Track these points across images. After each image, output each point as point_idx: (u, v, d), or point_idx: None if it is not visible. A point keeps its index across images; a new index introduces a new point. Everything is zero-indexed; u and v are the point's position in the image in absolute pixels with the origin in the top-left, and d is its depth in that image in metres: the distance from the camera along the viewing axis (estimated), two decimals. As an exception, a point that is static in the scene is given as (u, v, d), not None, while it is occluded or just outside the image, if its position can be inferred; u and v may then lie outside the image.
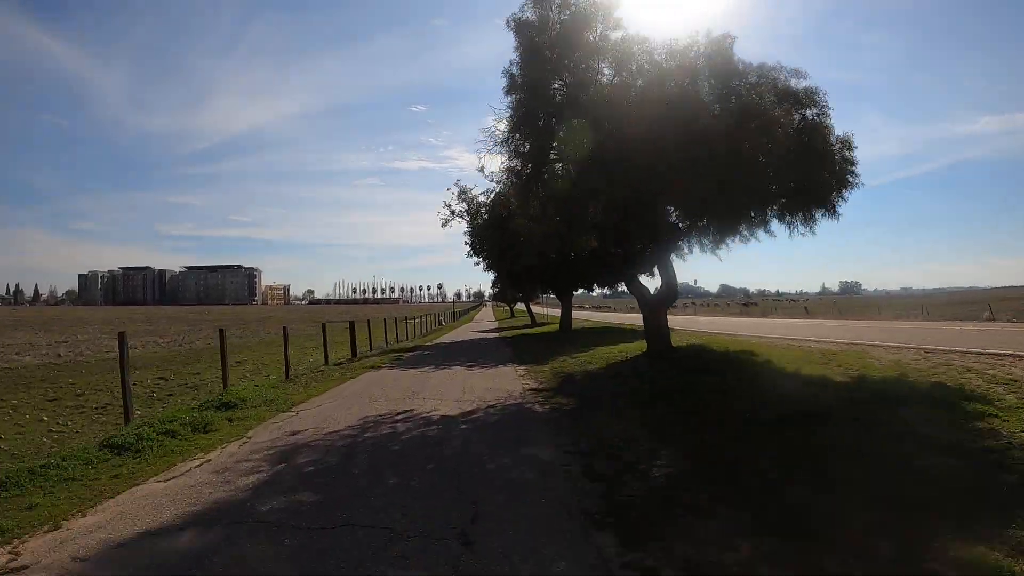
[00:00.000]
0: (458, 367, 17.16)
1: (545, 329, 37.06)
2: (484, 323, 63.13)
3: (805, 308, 44.22)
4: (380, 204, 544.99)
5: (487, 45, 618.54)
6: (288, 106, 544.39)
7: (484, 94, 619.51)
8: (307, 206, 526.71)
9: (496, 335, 37.18)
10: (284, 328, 19.45)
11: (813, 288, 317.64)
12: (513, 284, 29.64)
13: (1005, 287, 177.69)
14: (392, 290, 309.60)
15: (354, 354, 24.58)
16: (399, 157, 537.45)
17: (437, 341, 32.49)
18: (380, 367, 18.15)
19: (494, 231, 26.76)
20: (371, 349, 27.78)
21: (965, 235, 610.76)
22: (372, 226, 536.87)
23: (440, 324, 59.11)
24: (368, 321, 30.51)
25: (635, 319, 49.55)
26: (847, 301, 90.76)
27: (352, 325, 26.08)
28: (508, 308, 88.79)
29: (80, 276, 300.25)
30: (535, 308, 56.75)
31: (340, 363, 21.17)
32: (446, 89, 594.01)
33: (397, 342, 32.39)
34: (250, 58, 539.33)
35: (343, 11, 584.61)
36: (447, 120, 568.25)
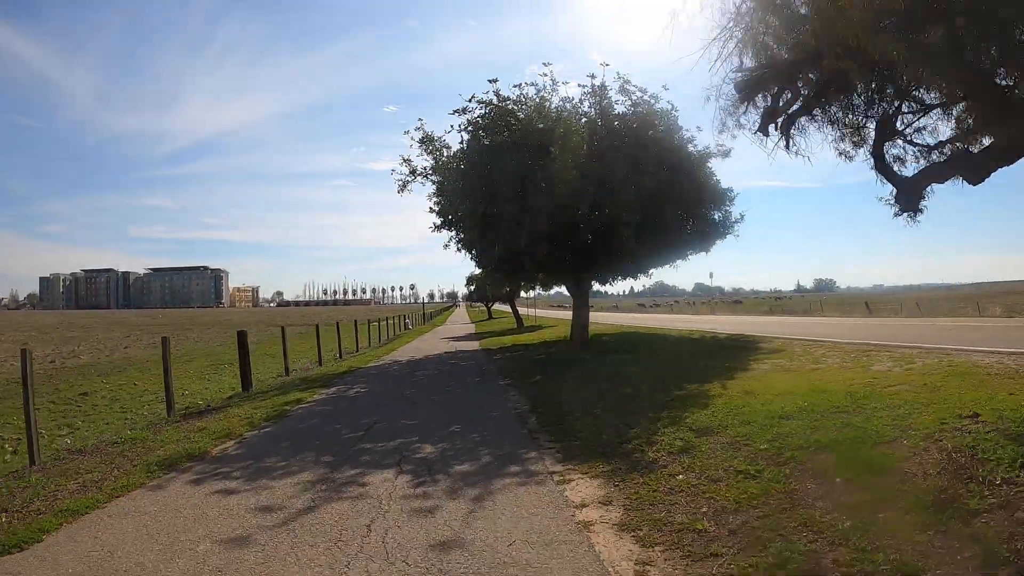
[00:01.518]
0: (386, 487, 5.59)
1: (543, 337, 26.12)
2: (458, 326, 51.94)
3: (866, 305, 34.21)
4: (353, 205, 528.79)
5: (460, 46, 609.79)
6: (259, 107, 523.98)
7: (455, 96, 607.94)
8: (279, 207, 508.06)
9: (476, 344, 26.20)
10: (23, 351, 8.05)
11: (786, 286, 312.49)
12: (508, 262, 18.32)
13: (973, 284, 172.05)
14: (364, 291, 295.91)
15: (247, 386, 14.15)
16: (371, 158, 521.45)
17: (389, 357, 21.47)
18: (201, 458, 6.97)
19: (477, 179, 15.68)
20: (287, 373, 17.40)
21: (931, 232, 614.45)
22: (345, 227, 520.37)
23: (406, 328, 48.10)
24: (279, 330, 19.76)
25: (662, 320, 38.79)
26: (864, 297, 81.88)
27: (243, 338, 15.29)
28: (485, 309, 77.68)
29: (41, 279, 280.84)
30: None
31: (210, 409, 11.18)
32: (418, 90, 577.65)
33: (339, 358, 21.73)
34: (220, 58, 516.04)
35: (314, 11, 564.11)
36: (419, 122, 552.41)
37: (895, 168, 5.94)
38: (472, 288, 71.29)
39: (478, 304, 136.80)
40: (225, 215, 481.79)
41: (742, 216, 18.62)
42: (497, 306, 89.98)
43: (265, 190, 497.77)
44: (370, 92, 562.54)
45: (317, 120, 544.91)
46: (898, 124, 6.05)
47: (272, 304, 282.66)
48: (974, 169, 4.68)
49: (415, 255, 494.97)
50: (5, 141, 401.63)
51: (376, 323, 32.37)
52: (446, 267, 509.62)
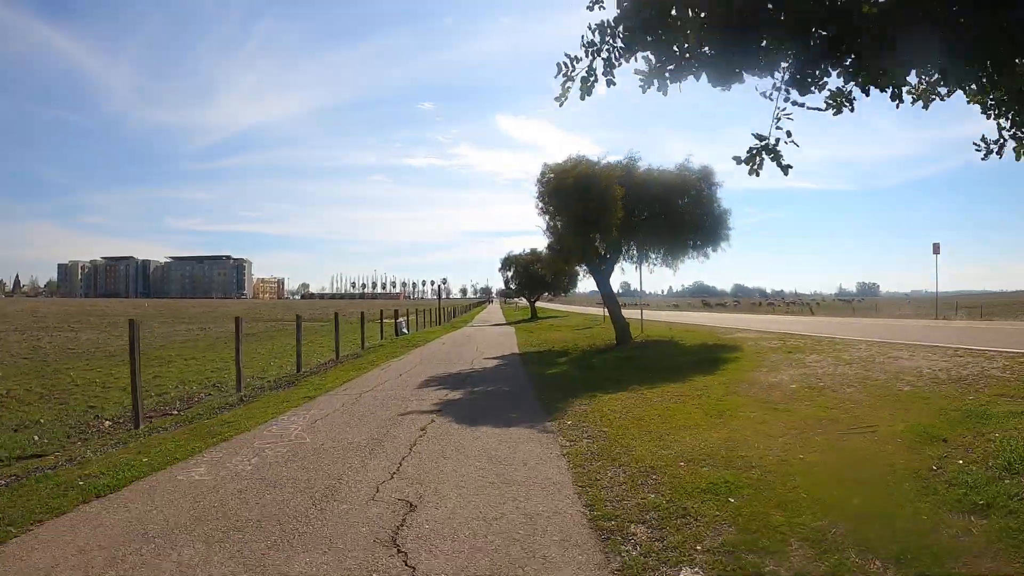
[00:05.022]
0: None
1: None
2: (487, 331, 30.54)
3: None
4: (387, 201, 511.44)
5: (494, 43, 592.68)
6: (295, 102, 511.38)
7: (491, 92, 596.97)
8: (314, 202, 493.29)
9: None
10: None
11: (827, 289, 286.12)
12: None
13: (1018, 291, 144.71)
14: (394, 285, 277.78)
15: None
16: (407, 154, 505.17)
17: None
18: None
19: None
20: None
21: (974, 238, 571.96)
22: (379, 222, 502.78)
23: (400, 332, 27.37)
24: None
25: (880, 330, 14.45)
26: (908, 301, 59.05)
27: None
28: (527, 305, 56.28)
29: (60, 266, 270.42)
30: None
31: None
32: (453, 87, 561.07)
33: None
34: (258, 54, 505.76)
35: (351, 8, 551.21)
36: (454, 118, 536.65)
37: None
38: (510, 275, 50.15)
39: (515, 300, 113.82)
40: (260, 209, 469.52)
41: None
42: (545, 304, 68.66)
43: (301, 185, 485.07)
44: (406, 89, 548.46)
45: (353, 116, 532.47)
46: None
47: (297, 296, 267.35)
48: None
49: (449, 251, 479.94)
50: (47, 135, 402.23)
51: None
52: (480, 263, 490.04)
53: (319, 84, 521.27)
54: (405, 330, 29.16)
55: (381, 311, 27.13)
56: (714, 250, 17.33)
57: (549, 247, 18.15)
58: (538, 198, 16.79)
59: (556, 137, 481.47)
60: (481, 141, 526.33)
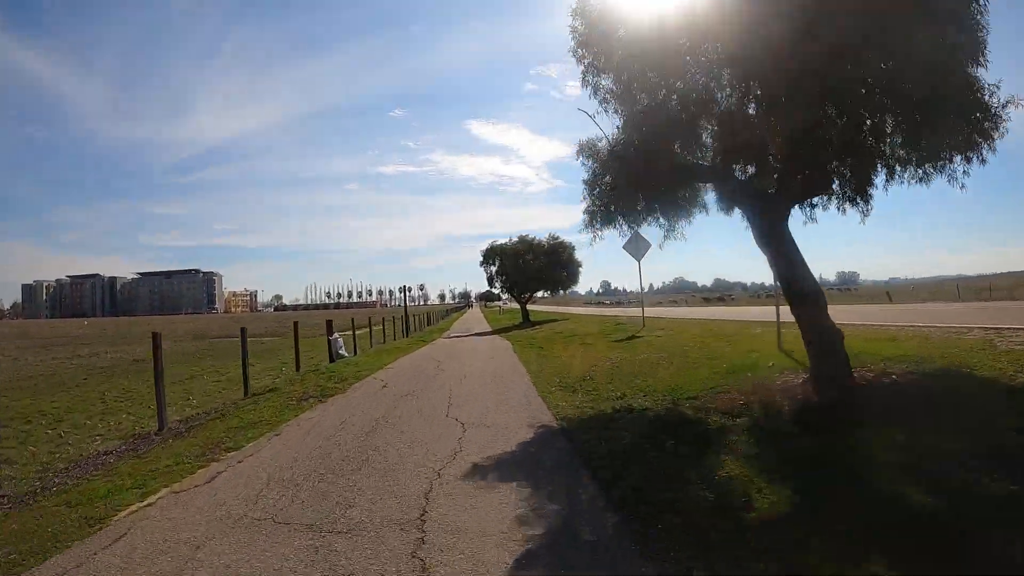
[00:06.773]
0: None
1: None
2: (467, 350, 19.92)
3: None
4: (363, 209, 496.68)
5: (465, 49, 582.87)
6: (268, 113, 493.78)
7: (462, 98, 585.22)
8: (290, 213, 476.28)
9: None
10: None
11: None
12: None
13: (994, 275, 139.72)
14: (370, 293, 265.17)
15: None
16: (380, 162, 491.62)
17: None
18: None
19: None
20: None
21: (944, 225, 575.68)
22: (356, 231, 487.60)
23: (339, 353, 16.86)
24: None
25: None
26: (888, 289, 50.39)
27: None
28: (517, 307, 45.62)
29: (24, 286, 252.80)
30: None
31: None
32: (424, 94, 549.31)
33: None
34: (229, 66, 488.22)
35: (319, 17, 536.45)
36: (426, 125, 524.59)
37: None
38: (494, 270, 39.54)
39: (498, 303, 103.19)
40: (236, 221, 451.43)
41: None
42: (530, 306, 58.29)
43: (276, 196, 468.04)
44: (377, 97, 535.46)
45: (326, 126, 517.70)
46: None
47: (270, 308, 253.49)
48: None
49: (427, 257, 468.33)
50: (18, 152, 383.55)
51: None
52: (459, 268, 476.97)
53: (290, 94, 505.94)
54: (343, 352, 18.49)
55: (295, 323, 16.53)
56: (968, 157, 6.63)
57: (612, 156, 7.35)
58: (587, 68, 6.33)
59: (529, 138, 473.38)
60: (454, 147, 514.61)
